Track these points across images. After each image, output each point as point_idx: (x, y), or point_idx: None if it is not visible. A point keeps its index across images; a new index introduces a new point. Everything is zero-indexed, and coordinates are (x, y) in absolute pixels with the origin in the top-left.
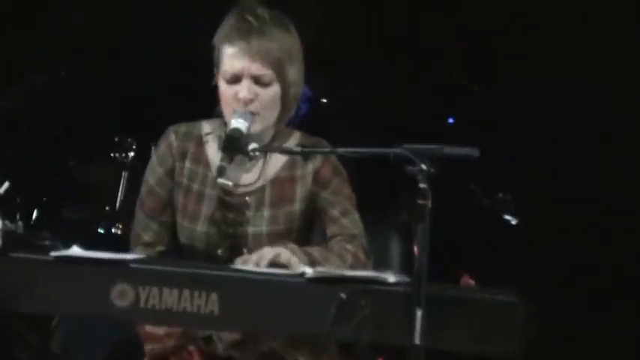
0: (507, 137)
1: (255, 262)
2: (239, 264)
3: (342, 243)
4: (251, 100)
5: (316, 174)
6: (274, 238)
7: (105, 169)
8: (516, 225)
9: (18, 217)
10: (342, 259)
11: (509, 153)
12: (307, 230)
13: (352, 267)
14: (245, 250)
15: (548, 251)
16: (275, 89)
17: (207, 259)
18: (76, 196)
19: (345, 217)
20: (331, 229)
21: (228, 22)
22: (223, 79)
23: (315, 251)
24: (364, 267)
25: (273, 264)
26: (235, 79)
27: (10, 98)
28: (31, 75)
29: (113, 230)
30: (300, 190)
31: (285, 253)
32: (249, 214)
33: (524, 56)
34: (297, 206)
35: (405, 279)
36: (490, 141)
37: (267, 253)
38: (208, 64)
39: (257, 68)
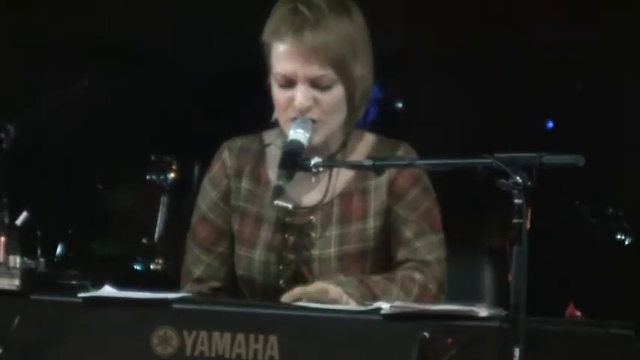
0: (617, 142)
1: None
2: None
3: (410, 271)
4: (309, 108)
5: (391, 184)
6: (345, 262)
7: (140, 195)
8: (630, 245)
9: (39, 253)
10: (405, 291)
11: (620, 161)
12: (386, 251)
13: (417, 301)
14: (310, 279)
15: None
16: (338, 92)
17: (266, 293)
18: (106, 227)
19: (419, 240)
20: (401, 253)
21: (277, 14)
22: (276, 81)
23: (377, 281)
24: (434, 301)
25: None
26: (289, 83)
27: (29, 115)
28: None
29: (152, 266)
30: (375, 204)
31: (333, 290)
32: (315, 235)
33: (634, 48)
34: (370, 222)
35: (500, 312)
36: (597, 148)
37: (310, 289)
38: (258, 68)
39: (314, 70)
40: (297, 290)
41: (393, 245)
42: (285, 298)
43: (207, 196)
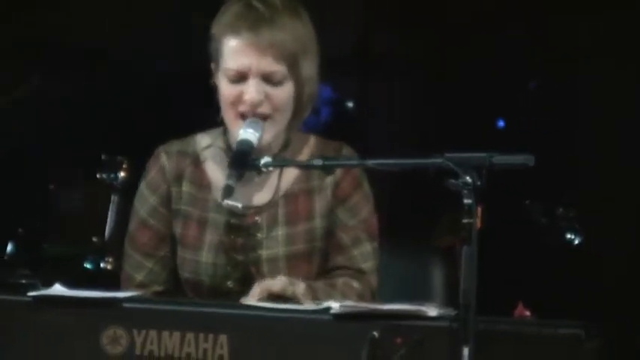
0: (568, 142)
1: (257, 295)
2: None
3: (348, 279)
4: (260, 102)
5: (336, 186)
6: (293, 262)
7: (91, 194)
8: (580, 245)
9: None
10: (345, 298)
11: (571, 160)
12: None
13: None
14: (259, 279)
15: (617, 275)
16: (288, 88)
17: (214, 294)
18: (57, 225)
19: (355, 248)
20: (337, 259)
21: (232, 9)
22: (225, 77)
23: (319, 288)
24: None
25: (278, 297)
26: (241, 78)
27: None
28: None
29: (102, 265)
30: (320, 205)
31: (288, 286)
32: (261, 236)
33: (585, 47)
34: (317, 222)
35: (450, 312)
36: (547, 147)
37: (270, 284)
38: (206, 68)
39: (268, 64)
40: (256, 289)
41: (329, 248)
42: (250, 300)
43: (146, 202)
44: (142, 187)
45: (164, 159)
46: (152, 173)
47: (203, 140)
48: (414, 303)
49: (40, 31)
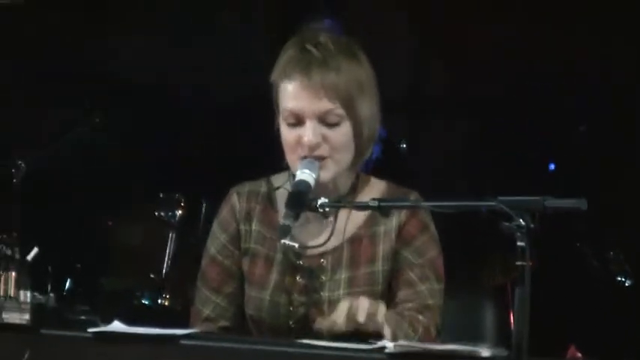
0: (618, 186)
1: (348, 309)
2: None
3: (414, 313)
4: (318, 144)
5: (400, 230)
6: None
7: (149, 231)
8: (631, 287)
9: (49, 288)
10: (413, 328)
11: (621, 204)
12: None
13: (420, 341)
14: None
15: None
16: (346, 129)
17: (275, 333)
18: (115, 262)
19: (422, 283)
20: (404, 293)
21: (286, 54)
22: (284, 121)
23: (391, 317)
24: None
25: (357, 331)
26: (298, 121)
27: (40, 151)
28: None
29: (160, 301)
30: (383, 248)
31: (381, 309)
32: (325, 278)
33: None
34: (379, 266)
35: (502, 353)
36: (596, 190)
37: (364, 303)
38: (267, 108)
39: (323, 105)
40: (344, 304)
41: (396, 284)
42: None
43: (217, 240)
44: (215, 225)
45: (235, 199)
46: (223, 212)
47: (276, 181)
48: (466, 343)
49: (98, 70)
